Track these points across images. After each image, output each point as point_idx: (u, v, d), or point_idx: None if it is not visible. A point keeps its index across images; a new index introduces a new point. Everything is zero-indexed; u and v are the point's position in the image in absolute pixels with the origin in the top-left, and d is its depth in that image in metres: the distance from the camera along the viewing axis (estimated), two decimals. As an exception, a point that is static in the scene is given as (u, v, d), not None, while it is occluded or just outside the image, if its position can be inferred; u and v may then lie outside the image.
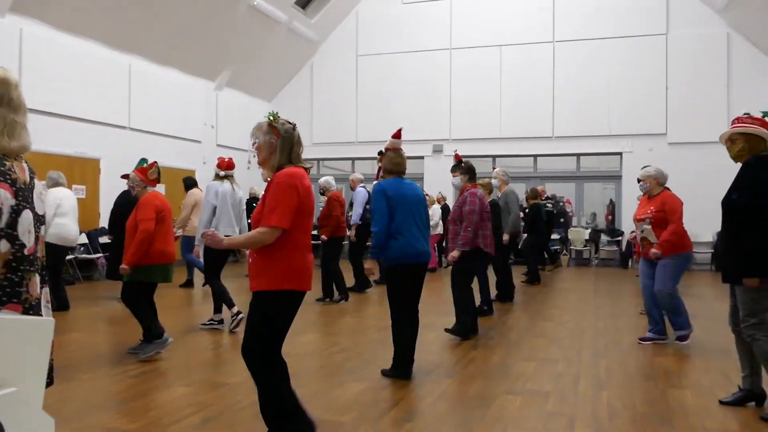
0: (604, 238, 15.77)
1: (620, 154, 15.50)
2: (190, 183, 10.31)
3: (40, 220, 2.06)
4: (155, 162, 5.77)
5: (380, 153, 5.18)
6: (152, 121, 13.08)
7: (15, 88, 2.01)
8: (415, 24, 16.74)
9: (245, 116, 16.72)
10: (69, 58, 11.09)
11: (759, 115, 4.14)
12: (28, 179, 2.03)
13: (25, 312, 1.96)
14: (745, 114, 4.24)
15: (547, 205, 13.81)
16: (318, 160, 17.17)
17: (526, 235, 11.41)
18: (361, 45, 17.25)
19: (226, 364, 5.49)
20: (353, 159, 17.41)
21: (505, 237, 8.93)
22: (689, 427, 3.81)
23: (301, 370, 4.95)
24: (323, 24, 16.92)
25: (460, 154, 7.04)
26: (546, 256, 13.93)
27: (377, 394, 4.49)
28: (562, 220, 15.54)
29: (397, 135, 5.14)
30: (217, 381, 4.77)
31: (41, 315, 2.05)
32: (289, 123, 3.32)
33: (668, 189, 6.26)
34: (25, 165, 2.04)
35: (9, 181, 1.92)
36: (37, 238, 2.03)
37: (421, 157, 16.15)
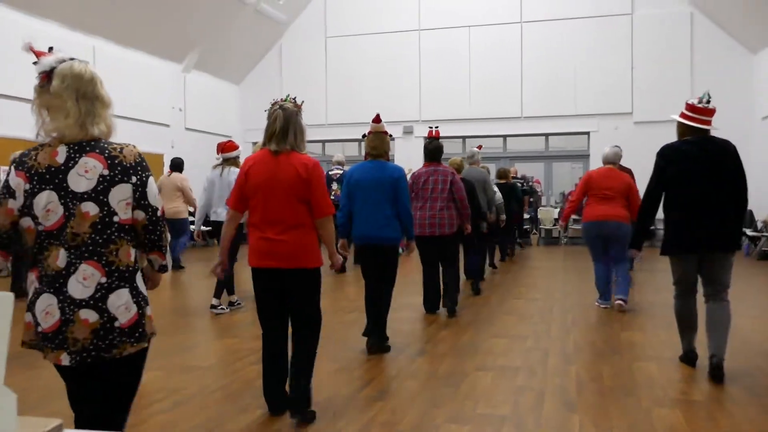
0: (572, 216, 15.96)
1: (588, 133, 15.68)
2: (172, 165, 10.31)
3: (76, 197, 2.14)
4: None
5: (363, 136, 5.40)
6: (118, 105, 12.30)
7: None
8: (383, 5, 16.64)
9: (214, 99, 16.54)
10: (31, 41, 10.76)
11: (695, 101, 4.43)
12: (63, 161, 2.15)
13: (41, 279, 2.14)
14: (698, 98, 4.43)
15: (518, 184, 13.91)
16: (288, 142, 17.03)
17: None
18: (330, 26, 17.10)
19: (197, 347, 5.47)
20: (323, 141, 17.32)
21: (493, 217, 8.84)
22: (654, 398, 3.92)
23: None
24: (291, 5, 16.71)
25: (437, 131, 6.90)
26: (517, 235, 14.07)
27: (349, 373, 4.52)
28: (531, 199, 15.70)
29: (377, 119, 5.25)
30: (189, 365, 4.76)
31: (65, 288, 2.12)
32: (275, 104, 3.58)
33: (609, 167, 6.94)
34: (61, 148, 2.17)
35: (24, 169, 2.17)
36: (71, 214, 2.14)
37: (392, 139, 16.07)
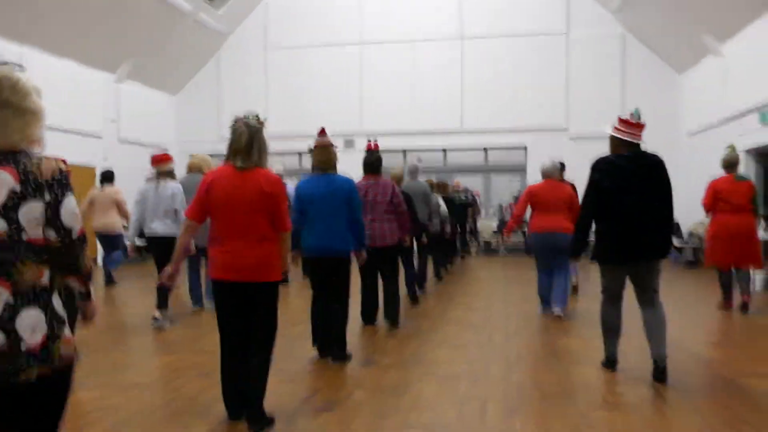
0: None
1: (525, 147, 16.11)
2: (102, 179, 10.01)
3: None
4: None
5: (310, 150, 5.39)
6: (48, 115, 12.11)
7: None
8: (325, 18, 16.68)
9: (149, 110, 16.15)
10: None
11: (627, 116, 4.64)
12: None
13: (14, 295, 1.99)
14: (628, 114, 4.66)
15: (461, 196, 14.13)
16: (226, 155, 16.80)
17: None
18: (270, 38, 17.01)
19: (136, 364, 5.31)
20: (264, 154, 17.13)
21: (434, 228, 8.95)
22: (592, 402, 4.06)
23: (218, 365, 4.86)
24: (231, 15, 16.55)
25: (375, 144, 6.95)
26: (458, 246, 14.29)
27: (295, 385, 4.49)
28: (469, 210, 15.97)
29: (322, 132, 5.27)
30: (129, 382, 4.62)
31: (37, 305, 2.02)
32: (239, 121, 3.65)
33: (549, 180, 7.12)
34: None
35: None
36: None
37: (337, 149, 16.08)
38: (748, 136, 10.74)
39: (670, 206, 4.52)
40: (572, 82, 15.63)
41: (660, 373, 4.40)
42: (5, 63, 2.19)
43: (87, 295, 2.23)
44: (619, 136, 4.58)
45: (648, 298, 4.57)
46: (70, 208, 2.09)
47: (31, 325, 2.01)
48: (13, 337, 1.97)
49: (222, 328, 3.68)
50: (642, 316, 4.60)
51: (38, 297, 2.04)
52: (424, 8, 16.30)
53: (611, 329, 4.77)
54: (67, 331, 2.12)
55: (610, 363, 4.80)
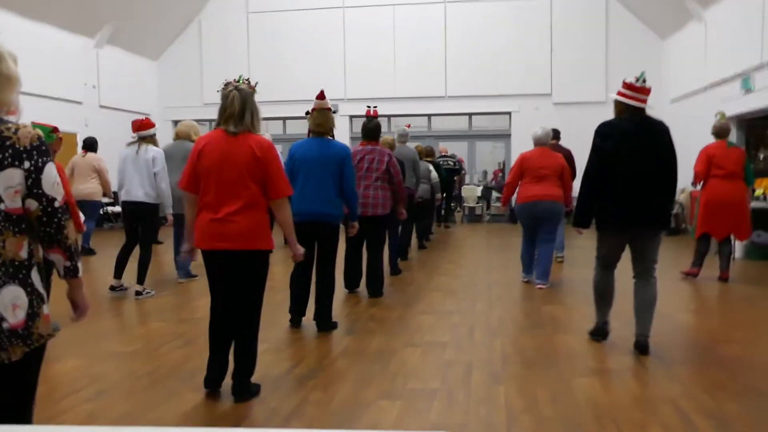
0: (494, 194, 16.40)
1: (509, 113, 16.06)
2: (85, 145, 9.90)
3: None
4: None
5: (307, 113, 5.27)
6: (26, 82, 11.80)
7: None
8: (307, -20, 16.36)
9: (129, 75, 15.85)
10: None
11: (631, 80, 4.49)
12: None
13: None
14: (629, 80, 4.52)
15: (449, 162, 14.09)
16: (210, 121, 16.60)
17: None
18: (252, 1, 16.68)
19: (119, 332, 5.31)
20: (247, 120, 16.94)
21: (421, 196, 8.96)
22: (573, 368, 4.12)
23: (202, 333, 4.88)
24: (211, -22, 16.18)
25: (375, 110, 6.83)
26: (444, 212, 14.34)
27: (279, 353, 4.51)
28: (455, 177, 15.99)
29: (321, 96, 5.16)
30: (112, 351, 4.61)
31: (18, 277, 1.96)
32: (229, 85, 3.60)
33: (541, 148, 7.00)
34: None
35: None
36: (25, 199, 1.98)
37: (335, 112, 15.94)
38: (731, 103, 10.76)
39: (672, 175, 4.40)
40: (556, 48, 15.53)
41: (643, 347, 4.38)
42: None
43: (73, 270, 2.10)
44: (623, 100, 4.45)
45: (646, 268, 4.46)
46: (51, 176, 2.01)
47: (11, 302, 1.94)
48: None
49: (213, 294, 3.66)
50: (634, 290, 4.50)
51: (17, 272, 1.97)
52: (409, -29, 16.02)
53: (604, 297, 4.68)
54: (45, 308, 2.07)
55: (601, 333, 4.72)
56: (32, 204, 1.97)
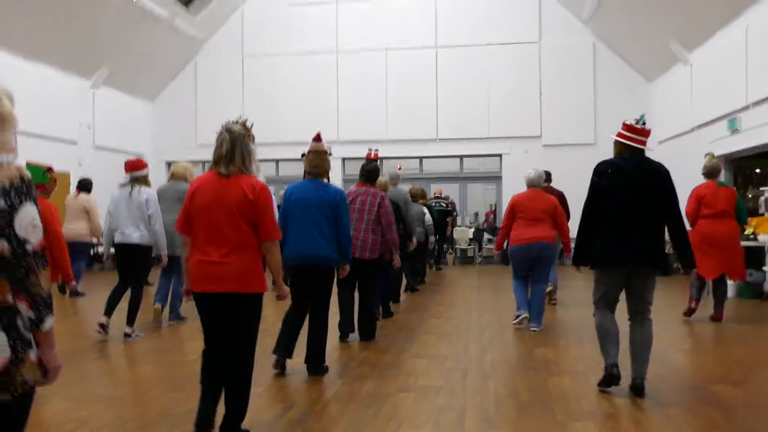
0: (486, 236, 16.44)
1: (500, 155, 16.22)
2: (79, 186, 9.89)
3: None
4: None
5: (303, 155, 5.30)
6: (22, 121, 11.96)
7: None
8: (301, 25, 16.67)
9: (125, 116, 15.98)
10: None
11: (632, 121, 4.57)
12: None
13: None
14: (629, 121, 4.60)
15: (441, 204, 14.14)
16: (204, 162, 16.66)
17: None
18: (247, 45, 16.95)
19: (108, 375, 5.22)
20: (240, 161, 17.02)
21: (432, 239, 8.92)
22: (568, 411, 4.07)
23: (192, 376, 4.80)
24: (207, 22, 16.45)
25: (375, 154, 6.88)
26: (436, 254, 14.33)
27: (270, 397, 4.45)
28: (448, 219, 16.03)
29: (317, 138, 5.21)
30: (100, 394, 4.53)
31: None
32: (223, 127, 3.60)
33: (533, 189, 7.01)
34: None
35: None
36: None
37: (330, 154, 16.01)
38: (718, 144, 10.93)
39: (677, 216, 4.42)
40: (545, 90, 15.81)
41: (639, 389, 4.34)
42: None
43: (36, 322, 1.95)
44: (622, 140, 4.51)
45: (640, 309, 4.44)
46: (27, 217, 1.93)
47: None
48: None
49: (205, 336, 3.60)
50: (630, 333, 4.46)
51: (1, 316, 1.91)
52: (399, 17, 16.38)
53: (609, 336, 4.48)
54: (33, 353, 1.97)
55: (612, 379, 4.40)
56: (2, 244, 1.90)
